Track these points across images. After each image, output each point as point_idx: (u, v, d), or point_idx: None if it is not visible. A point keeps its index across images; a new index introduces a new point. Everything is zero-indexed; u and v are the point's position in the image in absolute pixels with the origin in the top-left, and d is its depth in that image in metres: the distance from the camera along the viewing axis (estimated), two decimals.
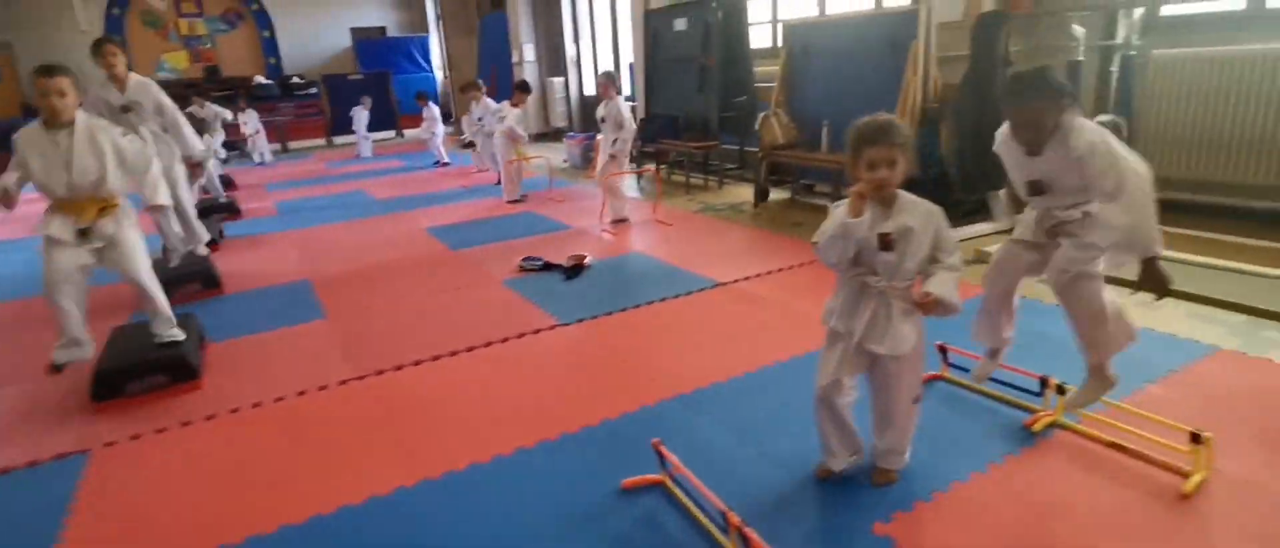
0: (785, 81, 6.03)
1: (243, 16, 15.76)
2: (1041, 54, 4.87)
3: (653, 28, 7.58)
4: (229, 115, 9.38)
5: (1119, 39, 4.57)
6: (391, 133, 14.68)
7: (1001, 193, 4.96)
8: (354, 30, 16.69)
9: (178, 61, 15.43)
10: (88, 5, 13.26)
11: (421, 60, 16.75)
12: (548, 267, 4.56)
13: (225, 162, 9.86)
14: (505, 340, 3.42)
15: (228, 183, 8.86)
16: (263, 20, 15.79)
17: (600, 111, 5.93)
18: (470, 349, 3.35)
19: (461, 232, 5.81)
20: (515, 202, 6.83)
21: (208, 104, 9.05)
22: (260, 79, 15.32)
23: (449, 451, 2.44)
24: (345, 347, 3.48)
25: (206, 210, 6.83)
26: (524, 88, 6.90)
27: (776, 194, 6.47)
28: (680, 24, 7.12)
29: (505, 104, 7.03)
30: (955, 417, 2.47)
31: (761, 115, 5.95)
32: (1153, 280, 1.94)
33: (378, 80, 14.50)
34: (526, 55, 11.81)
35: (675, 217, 5.90)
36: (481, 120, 7.77)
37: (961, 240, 4.85)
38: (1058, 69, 2.01)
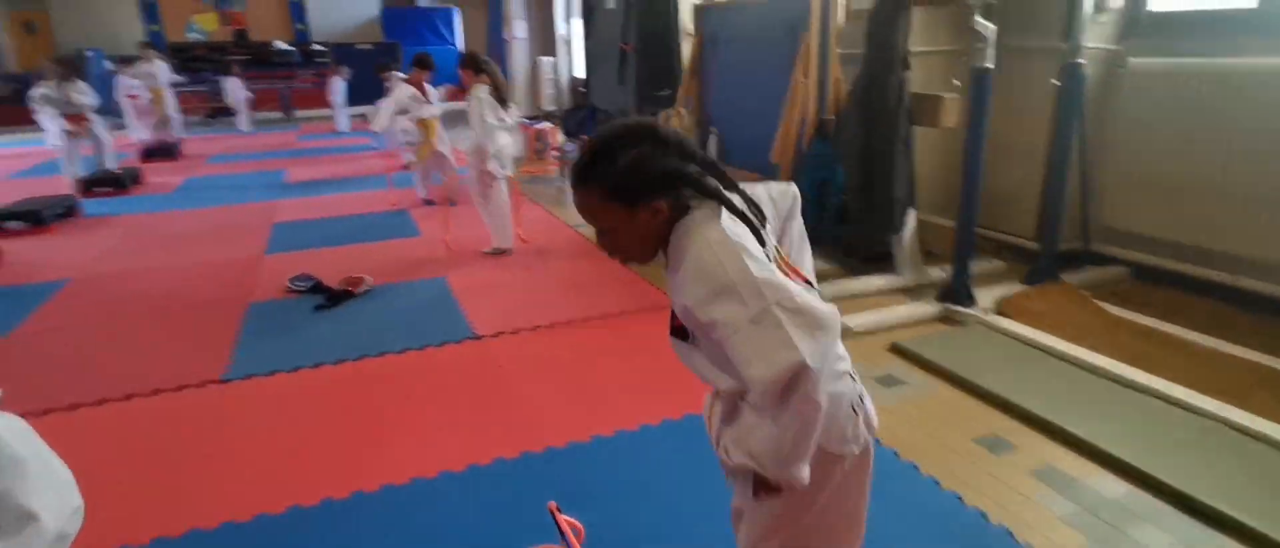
0: (694, 75, 4.99)
1: None
2: (942, 57, 3.68)
3: (589, 3, 6.60)
4: (90, 100, 6.69)
5: (1080, 41, 3.27)
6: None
7: (907, 234, 3.77)
8: None
9: (207, 23, 15.44)
10: None
11: (446, 33, 16.21)
12: (317, 288, 3.78)
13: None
14: (129, 398, 2.66)
15: (169, 151, 8.60)
16: None
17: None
18: (73, 408, 2.60)
19: (304, 231, 5.08)
20: (428, 204, 5.92)
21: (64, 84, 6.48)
22: (280, 44, 15.15)
23: None
24: None
25: (92, 183, 6.44)
26: (424, 63, 6.00)
27: None
28: (611, 0, 6.12)
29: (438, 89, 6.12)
30: None
31: (661, 114, 4.94)
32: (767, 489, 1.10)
33: (387, 51, 14.03)
34: (517, 32, 11.02)
35: (550, 232, 4.96)
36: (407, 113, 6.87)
37: (853, 296, 3.40)
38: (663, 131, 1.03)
